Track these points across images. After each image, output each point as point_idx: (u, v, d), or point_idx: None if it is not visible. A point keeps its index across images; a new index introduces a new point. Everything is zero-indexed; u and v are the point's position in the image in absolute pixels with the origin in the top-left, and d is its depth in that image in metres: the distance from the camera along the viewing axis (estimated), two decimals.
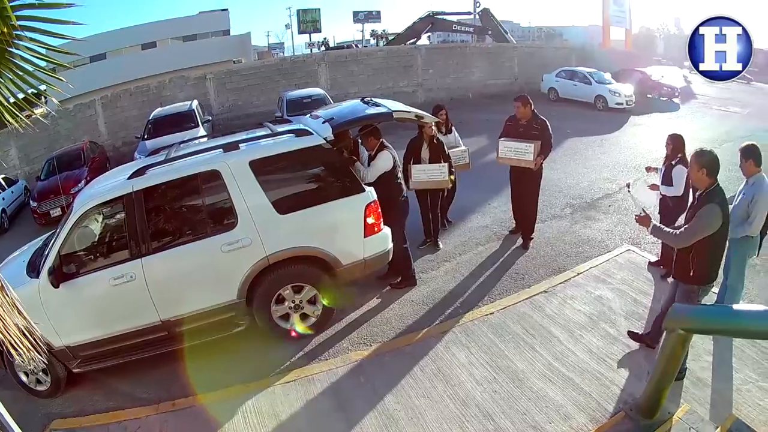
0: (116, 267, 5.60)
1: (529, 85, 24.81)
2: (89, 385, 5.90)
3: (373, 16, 60.12)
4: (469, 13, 39.88)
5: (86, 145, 16.48)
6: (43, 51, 2.78)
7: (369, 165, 6.74)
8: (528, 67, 27.55)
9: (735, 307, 5.26)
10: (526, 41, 55.34)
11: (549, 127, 7.58)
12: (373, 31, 60.92)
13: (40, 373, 5.72)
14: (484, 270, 7.44)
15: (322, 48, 50.20)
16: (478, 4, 38.11)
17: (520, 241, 8.24)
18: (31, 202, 14.10)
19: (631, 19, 41.41)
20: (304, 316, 6.15)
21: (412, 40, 33.73)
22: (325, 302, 6.17)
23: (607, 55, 32.25)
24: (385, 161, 6.67)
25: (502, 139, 7.67)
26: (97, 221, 6.17)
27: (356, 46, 47.92)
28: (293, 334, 6.14)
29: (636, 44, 45.53)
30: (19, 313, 2.90)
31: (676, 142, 6.56)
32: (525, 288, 6.86)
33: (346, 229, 6.08)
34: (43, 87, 3.13)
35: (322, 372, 5.55)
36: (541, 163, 7.58)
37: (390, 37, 45.07)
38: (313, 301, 6.12)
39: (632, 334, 5.55)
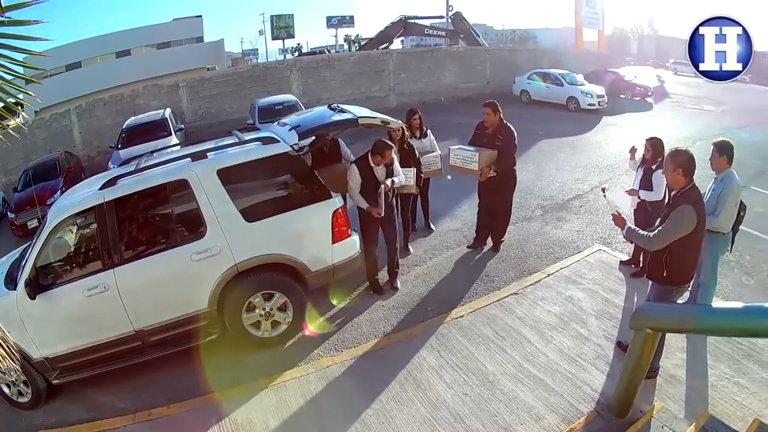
0: (90, 278, 5.58)
1: (502, 88, 25.08)
2: (69, 396, 5.86)
3: (347, 21, 60.41)
4: (441, 17, 40.23)
5: (61, 155, 16.36)
6: (13, 67, 2.81)
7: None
8: (500, 70, 27.78)
9: (700, 305, 5.34)
10: (499, 44, 55.73)
11: (515, 136, 7.33)
12: (346, 36, 61.16)
13: (21, 385, 5.68)
14: (454, 273, 7.48)
15: (296, 54, 50.09)
16: (450, 8, 38.37)
17: (490, 243, 8.22)
18: (8, 213, 13.93)
19: (604, 20, 42.02)
20: (275, 324, 6.13)
21: (384, 45, 33.80)
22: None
23: (580, 56, 32.70)
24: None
25: (453, 147, 7.58)
26: (71, 232, 6.13)
27: (329, 51, 48.03)
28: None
29: (609, 45, 46.26)
30: None
31: (656, 147, 6.50)
32: (495, 290, 6.90)
33: (315, 236, 6.11)
34: (12, 100, 3.15)
35: (294, 378, 5.55)
36: (489, 174, 7.25)
37: (362, 42, 45.18)
38: (283, 308, 6.11)
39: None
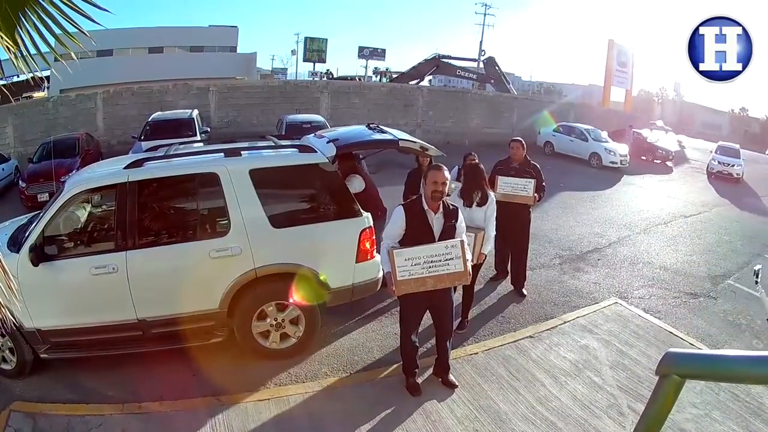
0: (99, 256, 5.46)
1: (526, 138, 24.70)
2: (55, 373, 5.72)
3: (378, 53, 60.99)
4: (474, 60, 40.62)
5: (83, 136, 16.45)
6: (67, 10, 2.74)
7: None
8: (527, 119, 27.96)
9: (730, 352, 5.21)
10: (525, 93, 56.18)
11: (541, 170, 7.64)
12: (376, 68, 61.74)
13: (6, 352, 5.58)
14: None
15: (325, 78, 50.60)
16: (483, 52, 38.78)
17: (504, 284, 8.16)
18: (20, 182, 14.01)
19: (633, 81, 42.40)
20: (284, 336, 5.97)
21: (415, 81, 34.07)
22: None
23: (605, 114, 32.89)
24: None
25: (500, 175, 7.55)
26: (85, 208, 6.06)
27: (359, 80, 48.41)
28: None
29: (635, 106, 46.57)
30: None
31: None
32: (511, 332, 6.77)
33: (339, 252, 5.97)
34: (40, 74, 3.08)
35: (297, 394, 5.38)
36: (538, 201, 7.56)
37: (393, 75, 45.57)
38: (295, 322, 5.95)
39: None
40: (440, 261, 4.93)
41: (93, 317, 5.50)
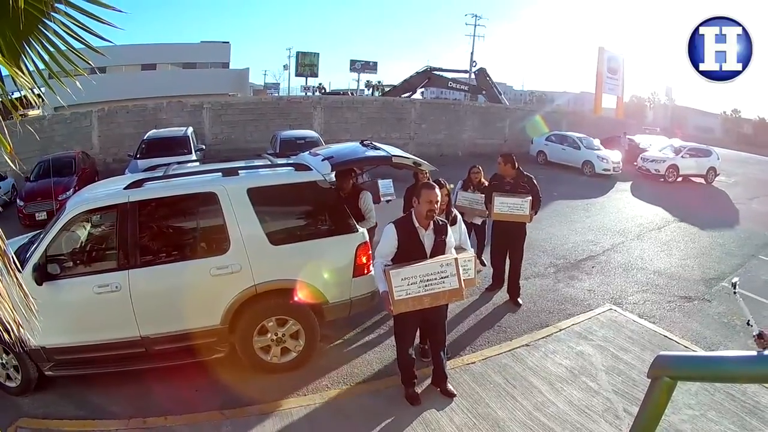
0: (102, 275, 5.57)
1: (519, 147, 25.28)
2: (61, 390, 5.80)
3: (370, 66, 61.24)
4: (466, 71, 40.81)
5: (79, 154, 16.53)
6: (78, 30, 2.81)
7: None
8: (519, 129, 28.18)
9: (720, 353, 5.31)
10: (518, 104, 56.45)
11: (536, 181, 7.79)
12: (368, 81, 61.97)
13: (11, 370, 5.65)
14: (468, 322, 7.42)
15: (318, 93, 50.79)
16: (474, 64, 38.98)
17: (500, 295, 8.27)
18: (18, 201, 14.06)
19: (624, 87, 42.64)
20: (285, 351, 6.07)
21: (407, 93, 34.22)
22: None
23: (597, 121, 33.06)
24: None
25: (496, 194, 7.68)
26: (85, 228, 6.16)
27: (351, 93, 48.57)
28: None
29: (626, 112, 46.81)
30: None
31: None
32: (507, 341, 6.86)
33: (336, 267, 6.08)
34: (37, 91, 3.15)
35: (300, 407, 5.47)
36: (535, 215, 7.74)
37: (385, 88, 45.72)
38: (295, 336, 6.06)
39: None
40: (436, 279, 5.05)
41: (96, 335, 5.58)
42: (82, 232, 6.19)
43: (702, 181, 22.34)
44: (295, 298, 5.90)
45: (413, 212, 5.17)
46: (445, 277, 5.07)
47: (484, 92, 34.62)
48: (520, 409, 5.37)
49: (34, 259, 5.42)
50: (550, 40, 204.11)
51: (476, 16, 58.29)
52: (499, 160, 7.85)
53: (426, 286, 5.01)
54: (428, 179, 6.66)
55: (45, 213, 12.53)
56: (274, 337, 5.99)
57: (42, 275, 5.35)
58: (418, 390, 5.60)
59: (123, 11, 2.93)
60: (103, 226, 6.13)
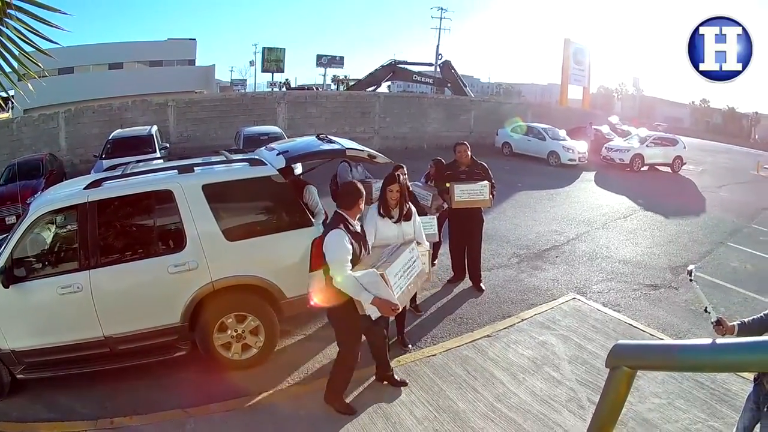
0: (65, 276, 5.54)
1: (484, 139, 25.44)
2: (32, 393, 5.75)
3: (337, 61, 61.21)
4: (430, 64, 41.01)
5: (46, 156, 16.34)
6: (30, 36, 2.79)
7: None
8: (484, 121, 28.29)
9: (679, 342, 5.35)
10: (484, 96, 56.69)
11: (489, 169, 7.91)
12: (334, 76, 61.83)
13: None
14: (428, 314, 7.42)
15: (284, 88, 50.54)
16: (440, 56, 39.07)
17: (462, 286, 8.29)
18: None
19: (590, 78, 43.14)
20: (245, 347, 6.04)
21: (372, 87, 34.19)
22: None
23: (564, 112, 33.37)
24: None
25: (454, 183, 7.66)
26: (50, 229, 6.15)
27: (317, 88, 48.39)
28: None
29: (594, 103, 47.37)
30: None
31: None
32: (468, 332, 6.87)
33: (292, 262, 6.05)
34: (4, 94, 3.13)
35: (262, 403, 5.44)
36: (492, 199, 7.83)
37: (351, 83, 45.66)
38: (255, 332, 6.03)
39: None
40: (411, 264, 5.17)
41: (63, 336, 5.56)
42: (48, 234, 6.18)
43: (668, 170, 22.73)
44: (252, 294, 5.90)
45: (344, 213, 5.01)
46: (415, 260, 5.23)
47: (449, 85, 34.77)
48: (481, 400, 5.38)
49: (0, 262, 5.38)
50: (517, 33, 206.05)
51: (442, 9, 58.55)
52: (456, 148, 7.98)
53: (408, 274, 5.08)
54: (405, 174, 6.69)
55: (14, 217, 12.22)
56: (234, 334, 5.96)
57: (9, 278, 5.34)
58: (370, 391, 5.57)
59: (68, 14, 2.93)
60: (67, 227, 6.15)
